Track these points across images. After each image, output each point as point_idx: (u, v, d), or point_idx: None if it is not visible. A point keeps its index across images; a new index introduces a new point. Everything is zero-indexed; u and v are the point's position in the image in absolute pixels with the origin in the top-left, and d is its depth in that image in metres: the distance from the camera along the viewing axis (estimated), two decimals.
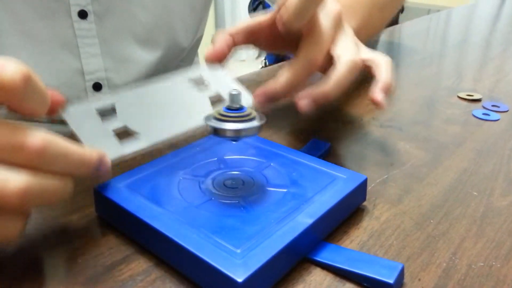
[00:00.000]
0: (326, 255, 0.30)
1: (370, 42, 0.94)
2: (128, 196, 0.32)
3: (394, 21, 1.59)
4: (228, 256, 0.26)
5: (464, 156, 0.45)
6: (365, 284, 0.28)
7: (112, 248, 0.31)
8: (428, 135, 0.49)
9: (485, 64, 0.78)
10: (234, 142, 0.36)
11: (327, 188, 0.33)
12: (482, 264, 0.30)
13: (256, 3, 1.54)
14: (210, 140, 0.41)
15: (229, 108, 0.32)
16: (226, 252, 0.27)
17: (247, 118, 0.32)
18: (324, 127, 0.50)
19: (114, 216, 0.33)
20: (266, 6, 1.47)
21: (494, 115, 0.54)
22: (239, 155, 0.39)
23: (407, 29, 1.06)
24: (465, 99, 0.60)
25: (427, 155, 0.45)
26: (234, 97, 0.32)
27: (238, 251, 0.27)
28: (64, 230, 0.33)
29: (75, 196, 0.36)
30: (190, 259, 0.27)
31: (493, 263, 0.30)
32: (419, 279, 0.28)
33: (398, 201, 0.37)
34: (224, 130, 0.32)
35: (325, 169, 0.36)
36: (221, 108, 0.33)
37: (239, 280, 0.25)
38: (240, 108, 0.32)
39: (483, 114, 0.54)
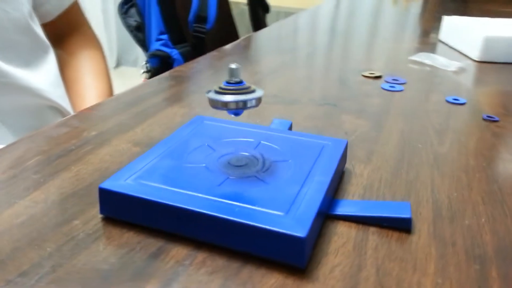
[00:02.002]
0: (344, 209, 0.33)
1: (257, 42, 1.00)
2: (145, 188, 0.31)
3: (263, 24, 1.69)
4: (280, 219, 0.28)
5: (395, 119, 0.53)
6: (385, 225, 0.32)
7: (140, 243, 0.29)
8: (359, 108, 0.56)
9: (368, 48, 0.91)
10: (234, 116, 0.37)
11: (322, 153, 0.37)
12: (455, 194, 0.37)
13: (126, 6, 1.49)
14: (192, 124, 0.41)
15: (229, 82, 0.33)
16: (275, 217, 0.28)
17: (247, 91, 0.33)
18: (264, 110, 0.54)
19: (131, 211, 0.31)
20: (140, 7, 1.43)
21: (398, 87, 0.64)
22: (226, 138, 0.40)
23: (284, 27, 1.15)
24: (369, 77, 0.69)
25: (368, 123, 0.51)
26: (233, 71, 0.33)
27: (283, 214, 0.29)
28: (73, 237, 0.30)
29: (61, 203, 0.33)
30: (242, 231, 0.28)
31: (463, 192, 0.37)
32: (420, 213, 0.34)
33: (368, 160, 0.42)
34: (226, 102, 0.33)
35: (310, 140, 0.40)
36: (221, 82, 0.34)
37: (302, 235, 0.27)
38: (240, 82, 0.33)
39: (390, 86, 0.64)
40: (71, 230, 0.31)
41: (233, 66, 0.33)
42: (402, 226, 0.32)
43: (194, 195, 0.30)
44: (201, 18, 1.36)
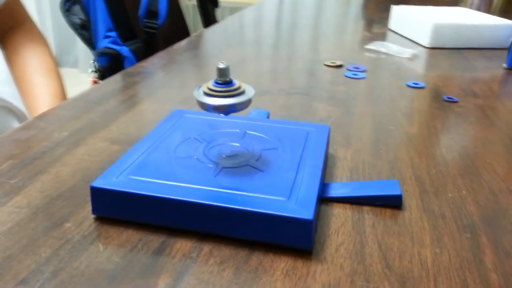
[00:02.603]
0: (337, 191, 0.34)
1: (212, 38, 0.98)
2: (140, 183, 0.30)
3: (213, 19, 1.68)
4: (283, 204, 0.28)
5: (364, 105, 0.54)
6: (377, 203, 0.33)
7: (141, 240, 0.29)
8: (328, 95, 0.57)
9: (322, 39, 0.93)
10: (223, 115, 0.36)
11: (308, 139, 0.38)
12: (434, 170, 0.39)
13: (69, 3, 1.42)
14: (173, 119, 0.40)
15: (218, 83, 0.33)
16: (278, 203, 0.28)
17: (237, 92, 0.33)
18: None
19: (127, 209, 0.30)
20: (83, 4, 1.37)
21: (360, 74, 0.66)
22: (211, 130, 0.39)
23: (234, 22, 1.15)
24: (331, 66, 0.71)
25: (340, 109, 0.53)
26: (222, 71, 0.33)
27: (285, 199, 0.29)
28: (68, 240, 0.28)
29: (47, 207, 0.31)
30: (248, 219, 0.28)
31: (440, 168, 0.39)
32: (406, 190, 0.36)
33: (348, 143, 0.44)
34: (213, 106, 0.32)
35: (294, 127, 0.40)
36: (210, 82, 0.33)
37: (309, 218, 0.27)
38: (229, 82, 0.33)
39: (353, 74, 0.66)
40: (64, 233, 0.29)
41: (221, 65, 0.32)
42: (393, 203, 0.33)
43: (193, 187, 0.30)
44: (152, 13, 1.32)
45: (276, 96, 0.57)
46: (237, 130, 0.39)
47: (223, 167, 0.33)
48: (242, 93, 0.33)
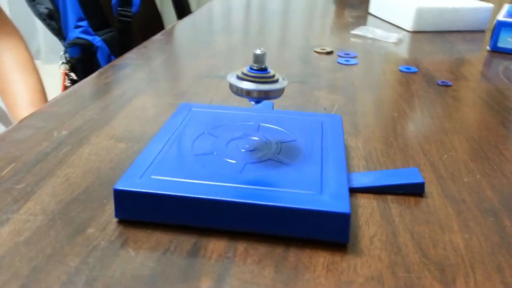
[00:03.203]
0: (360, 181, 0.34)
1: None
2: (166, 184, 0.29)
3: (186, 6, 1.63)
4: (318, 199, 0.28)
5: (363, 91, 0.54)
6: (399, 192, 0.33)
7: (172, 242, 0.28)
8: (326, 83, 0.57)
9: (305, 25, 0.92)
10: (254, 103, 0.35)
11: (324, 130, 0.37)
12: (446, 156, 0.40)
13: None
14: (181, 113, 0.39)
15: (252, 68, 0.32)
16: (312, 197, 0.28)
17: (271, 80, 0.32)
18: None
19: (153, 210, 0.29)
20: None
21: (353, 61, 0.66)
22: (224, 124, 0.38)
23: (208, 11, 1.13)
24: (321, 53, 0.71)
25: (341, 97, 0.53)
26: (258, 57, 0.32)
27: (317, 193, 0.28)
28: (95, 247, 0.27)
29: (63, 212, 0.30)
30: (284, 216, 0.27)
31: (451, 153, 0.40)
32: (424, 177, 0.36)
33: (357, 132, 0.44)
34: (249, 90, 0.31)
35: (306, 117, 0.40)
36: (245, 67, 0.32)
37: (347, 211, 0.27)
38: (264, 69, 0.32)
39: (345, 61, 0.66)
40: (89, 240, 0.28)
41: (258, 51, 0.31)
42: (416, 190, 0.33)
43: (220, 185, 0.29)
44: (125, 1, 1.27)
45: None
46: (251, 123, 0.38)
47: (247, 163, 0.32)
48: (276, 81, 0.32)
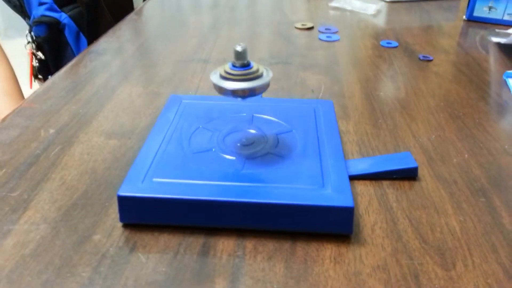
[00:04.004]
0: (356, 168, 0.35)
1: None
2: (170, 186, 0.29)
3: (130, 6, 1.54)
4: (321, 193, 0.29)
5: (347, 70, 0.55)
6: (395, 176, 0.34)
7: (181, 244, 0.28)
8: (310, 62, 0.57)
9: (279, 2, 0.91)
10: (240, 99, 0.35)
11: (318, 117, 0.38)
12: (434, 136, 0.41)
13: None
14: (173, 107, 0.39)
15: (235, 65, 0.31)
16: (315, 192, 0.29)
17: (254, 76, 0.32)
18: None
19: (159, 214, 0.29)
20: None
21: (334, 36, 0.66)
22: (217, 116, 0.38)
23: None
24: (302, 29, 0.70)
25: (327, 77, 0.53)
26: (240, 54, 0.31)
27: (320, 187, 0.29)
28: (104, 254, 0.27)
29: (66, 219, 0.30)
30: (290, 213, 0.28)
31: (438, 132, 0.41)
32: (416, 160, 0.37)
33: (346, 115, 0.44)
34: (231, 90, 0.31)
35: (298, 105, 0.40)
36: (227, 64, 0.31)
37: (351, 205, 0.28)
38: (247, 65, 0.32)
39: (327, 37, 0.66)
40: (97, 247, 0.28)
41: (238, 48, 0.31)
42: (410, 174, 0.35)
43: (224, 185, 0.29)
44: None
45: None
46: (244, 114, 0.38)
47: (246, 159, 0.32)
48: (261, 76, 0.32)
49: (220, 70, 0.32)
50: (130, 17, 0.76)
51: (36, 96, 0.47)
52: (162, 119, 0.37)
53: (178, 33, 0.68)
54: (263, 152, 0.33)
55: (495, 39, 0.62)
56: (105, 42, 0.63)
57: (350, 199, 0.28)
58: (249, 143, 0.34)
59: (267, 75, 0.32)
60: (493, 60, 0.58)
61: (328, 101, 0.40)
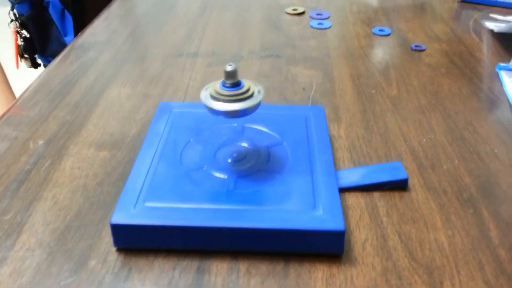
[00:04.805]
0: (347, 180, 0.35)
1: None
2: (162, 212, 0.29)
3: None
4: (312, 216, 0.29)
5: (339, 63, 0.54)
6: (385, 187, 0.35)
7: (176, 268, 0.28)
8: (301, 55, 0.56)
9: None
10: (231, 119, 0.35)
11: (309, 127, 0.37)
12: (424, 139, 0.41)
13: None
14: (162, 116, 0.38)
15: (225, 85, 0.31)
16: (307, 214, 0.29)
17: (245, 96, 0.31)
18: (213, 75, 0.51)
19: (153, 239, 0.29)
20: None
21: (326, 23, 0.65)
22: (207, 128, 0.37)
23: None
24: (293, 14, 0.68)
25: (318, 72, 0.52)
26: (230, 74, 0.31)
27: (312, 209, 0.29)
28: (101, 282, 0.27)
29: (60, 243, 0.30)
30: (282, 236, 0.28)
31: (429, 135, 0.41)
32: (406, 167, 0.37)
33: (337, 117, 0.44)
34: (222, 112, 0.31)
35: (290, 112, 0.39)
36: (218, 83, 0.31)
37: (342, 228, 0.28)
38: (237, 84, 0.31)
39: (318, 24, 0.65)
40: (93, 274, 0.28)
41: (228, 68, 0.30)
42: (400, 185, 0.35)
43: (216, 209, 0.29)
44: None
45: (249, 61, 0.54)
46: (235, 125, 0.38)
47: (237, 177, 0.32)
48: (251, 95, 0.31)
49: (211, 90, 0.31)
50: (117, 3, 0.73)
51: (23, 101, 0.46)
52: (152, 132, 0.37)
53: (167, 20, 0.66)
54: (255, 169, 0.33)
55: (488, 25, 0.61)
56: (91, 35, 0.61)
57: (341, 222, 0.28)
58: (240, 159, 0.34)
59: (258, 94, 0.31)
60: (486, 49, 0.58)
61: (320, 106, 0.40)
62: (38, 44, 1.29)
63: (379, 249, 0.30)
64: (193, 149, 0.35)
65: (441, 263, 0.29)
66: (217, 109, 0.31)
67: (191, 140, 0.36)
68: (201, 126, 0.38)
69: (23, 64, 1.30)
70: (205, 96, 0.31)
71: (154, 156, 0.34)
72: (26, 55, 1.28)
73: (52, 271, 0.28)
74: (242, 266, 0.29)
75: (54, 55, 1.31)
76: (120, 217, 0.29)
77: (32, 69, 1.29)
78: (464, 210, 0.33)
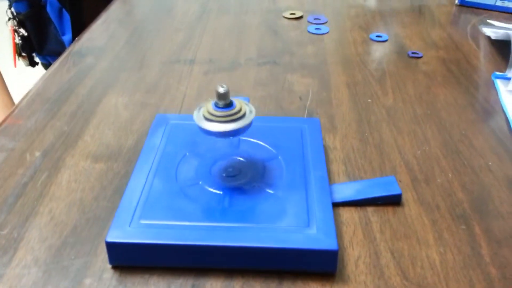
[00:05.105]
0: (341, 195, 0.35)
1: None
2: (156, 231, 0.29)
3: None
4: (305, 235, 0.29)
5: (336, 71, 0.54)
6: (379, 202, 0.35)
7: (172, 285, 0.29)
8: (298, 62, 0.56)
9: None
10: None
11: (304, 141, 0.38)
12: (419, 152, 0.41)
13: None
14: (159, 128, 0.38)
15: (217, 106, 0.31)
16: (300, 233, 0.29)
17: (237, 117, 0.32)
18: (211, 82, 0.52)
19: (148, 257, 0.29)
20: None
21: (324, 28, 0.65)
22: (203, 141, 0.37)
23: None
24: (291, 18, 0.68)
25: (314, 81, 0.52)
26: (222, 95, 0.31)
27: (305, 227, 0.30)
28: None
29: (56, 260, 0.30)
30: (275, 255, 0.29)
31: (424, 147, 0.42)
32: (400, 181, 0.38)
33: (333, 128, 0.44)
34: (214, 132, 0.31)
35: (285, 125, 0.40)
36: (210, 103, 0.31)
37: (335, 248, 0.28)
38: (229, 105, 0.31)
39: (316, 29, 0.65)
40: None
41: (220, 90, 0.30)
42: (394, 200, 0.35)
43: (212, 226, 0.30)
44: None
45: (246, 69, 0.54)
46: (231, 137, 0.38)
47: (232, 194, 0.33)
48: (243, 116, 0.32)
49: (203, 111, 0.31)
50: (116, 5, 0.73)
51: (20, 111, 0.46)
52: (148, 145, 0.37)
53: (165, 24, 0.66)
54: (250, 184, 0.33)
55: (486, 31, 0.61)
56: (89, 40, 0.61)
57: (334, 241, 0.29)
58: (235, 174, 0.34)
59: (250, 114, 0.32)
60: (482, 56, 0.58)
61: (315, 119, 0.40)
62: (36, 43, 1.29)
63: (372, 267, 0.30)
64: (188, 163, 0.35)
65: (432, 281, 0.29)
66: (210, 130, 0.31)
67: (187, 153, 0.36)
68: (197, 139, 0.38)
69: (21, 62, 1.29)
70: (197, 117, 0.31)
71: (149, 171, 0.34)
72: (23, 54, 1.28)
73: None
74: (237, 284, 0.29)
75: (52, 54, 1.31)
76: (116, 235, 0.29)
77: (30, 68, 1.29)
78: (456, 226, 0.34)
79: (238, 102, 0.32)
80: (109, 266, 0.30)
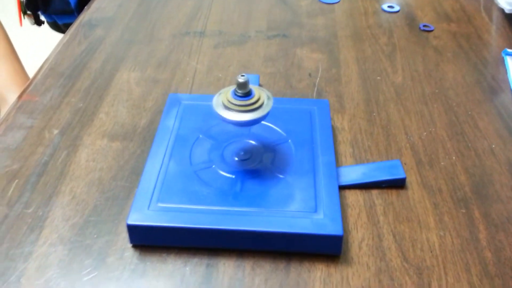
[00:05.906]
0: (347, 178, 0.37)
1: None
2: (174, 214, 0.31)
3: None
4: (313, 220, 0.31)
5: (345, 45, 0.54)
6: (383, 186, 0.37)
7: (186, 265, 0.31)
8: (308, 35, 0.56)
9: None
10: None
11: (313, 124, 0.39)
12: (425, 133, 0.42)
13: None
14: (172, 109, 0.40)
15: (237, 94, 0.32)
16: (308, 218, 0.31)
17: (255, 106, 0.33)
18: (221, 56, 0.52)
19: (166, 238, 0.32)
20: None
21: None
22: (216, 123, 0.39)
23: None
24: None
25: (324, 56, 0.52)
26: (242, 85, 0.32)
27: (313, 212, 0.32)
28: (119, 278, 0.30)
29: (80, 239, 0.32)
30: (285, 239, 0.31)
31: (430, 128, 0.43)
32: (405, 163, 0.39)
33: (342, 107, 0.45)
34: (233, 122, 0.33)
35: (295, 106, 0.41)
36: (230, 92, 0.32)
37: (340, 233, 0.30)
38: (248, 94, 0.32)
39: None
40: (111, 270, 0.31)
41: (240, 79, 0.31)
42: (398, 184, 0.37)
43: (224, 210, 0.32)
44: None
45: (256, 42, 0.54)
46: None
47: (245, 178, 0.34)
48: (262, 105, 0.33)
49: (223, 98, 0.32)
50: None
51: (35, 87, 0.47)
52: (162, 127, 0.38)
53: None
54: (261, 168, 0.35)
55: (500, 2, 0.60)
56: (98, 10, 0.61)
57: (340, 227, 0.31)
58: (246, 158, 0.36)
59: (268, 104, 0.33)
60: (494, 30, 0.57)
61: (324, 100, 0.41)
62: (41, 1, 1.27)
63: (374, 249, 0.32)
64: (202, 146, 0.37)
65: (431, 264, 0.32)
66: (228, 119, 0.32)
67: (200, 136, 0.38)
68: (209, 120, 0.39)
69: (27, 21, 1.28)
70: (216, 103, 0.33)
71: (165, 155, 0.36)
72: (29, 12, 1.26)
73: (72, 268, 0.31)
74: (247, 264, 0.32)
75: (57, 13, 1.29)
76: (136, 218, 0.31)
77: (36, 26, 1.28)
78: (457, 210, 0.35)
79: (257, 91, 0.33)
80: (130, 245, 0.33)
